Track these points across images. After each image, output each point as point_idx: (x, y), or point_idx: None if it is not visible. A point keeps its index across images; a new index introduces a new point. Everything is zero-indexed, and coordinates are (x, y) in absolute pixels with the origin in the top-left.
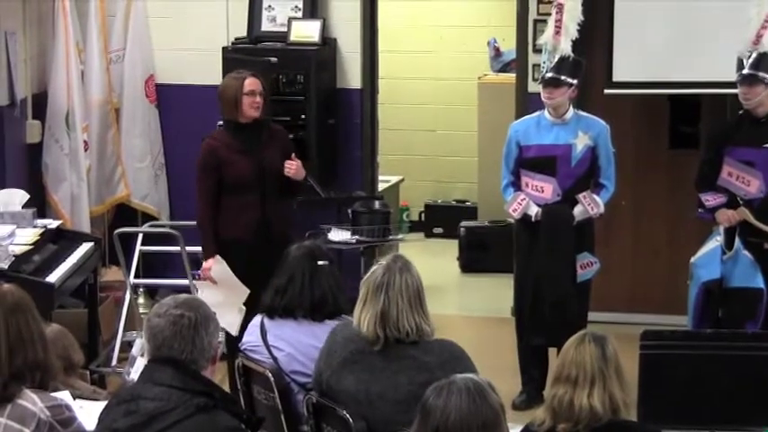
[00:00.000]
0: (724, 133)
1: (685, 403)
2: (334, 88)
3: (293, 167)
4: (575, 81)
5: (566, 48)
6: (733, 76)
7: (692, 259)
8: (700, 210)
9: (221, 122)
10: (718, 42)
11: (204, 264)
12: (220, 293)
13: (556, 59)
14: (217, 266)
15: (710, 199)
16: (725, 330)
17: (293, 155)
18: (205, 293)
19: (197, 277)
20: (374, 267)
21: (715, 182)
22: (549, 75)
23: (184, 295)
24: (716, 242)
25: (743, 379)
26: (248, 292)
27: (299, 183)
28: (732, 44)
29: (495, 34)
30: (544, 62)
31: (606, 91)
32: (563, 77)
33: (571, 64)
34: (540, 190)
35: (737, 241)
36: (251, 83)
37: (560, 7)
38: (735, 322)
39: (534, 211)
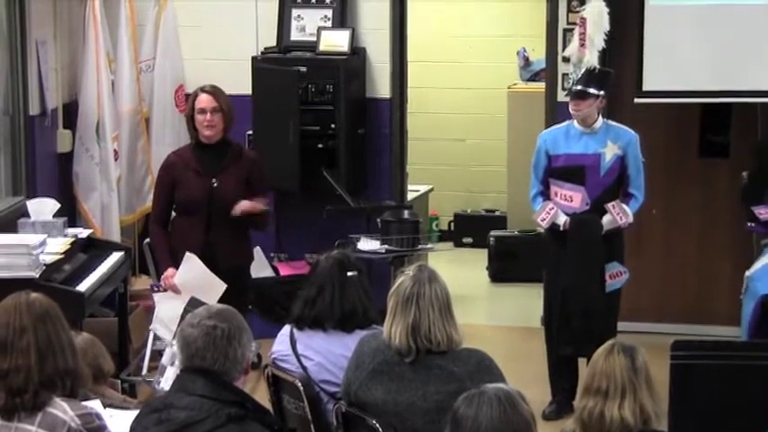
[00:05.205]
0: None
1: (717, 414)
2: (363, 98)
3: (239, 208)
4: (601, 92)
5: (591, 59)
6: (764, 85)
7: (748, 272)
8: (751, 223)
9: (250, 132)
10: (750, 51)
11: (165, 273)
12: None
13: (582, 72)
14: (184, 266)
15: (764, 212)
16: (757, 341)
17: (257, 199)
18: (162, 308)
19: (156, 289)
20: (400, 278)
21: (766, 194)
22: (575, 87)
23: (218, 305)
24: None
25: None
26: (225, 286)
27: (260, 216)
28: (764, 53)
29: (525, 43)
30: (571, 73)
31: (636, 100)
32: (589, 90)
33: (598, 75)
34: (569, 199)
35: None
36: (202, 100)
37: (584, 21)
38: None
39: (563, 220)
